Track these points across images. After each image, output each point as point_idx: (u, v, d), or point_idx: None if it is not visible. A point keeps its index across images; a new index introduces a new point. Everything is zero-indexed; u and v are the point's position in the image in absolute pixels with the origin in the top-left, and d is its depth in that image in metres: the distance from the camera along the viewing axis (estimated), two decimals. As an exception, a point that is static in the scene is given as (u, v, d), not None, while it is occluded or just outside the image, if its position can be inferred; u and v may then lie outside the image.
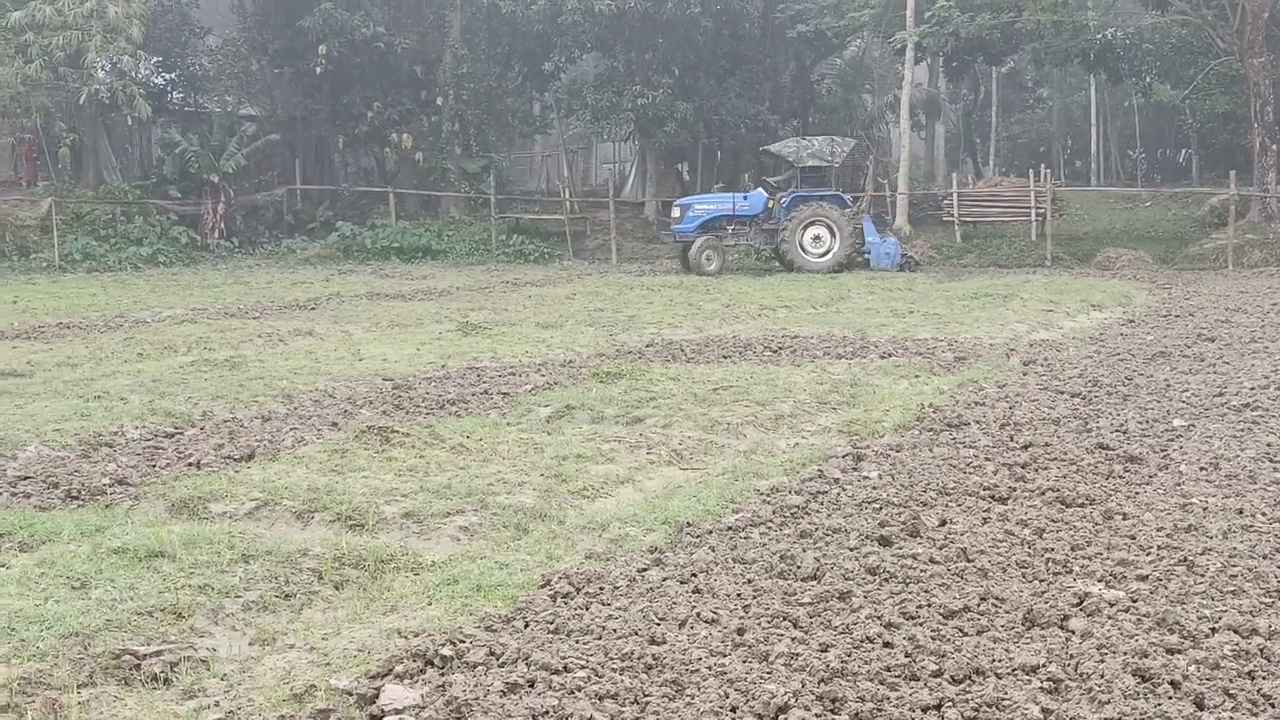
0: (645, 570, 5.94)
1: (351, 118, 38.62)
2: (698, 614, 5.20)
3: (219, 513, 7.12)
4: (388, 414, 10.25)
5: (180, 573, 5.86)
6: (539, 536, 6.78)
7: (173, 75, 39.55)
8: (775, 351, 14.29)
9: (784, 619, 5.17)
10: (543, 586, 5.69)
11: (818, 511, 7.07)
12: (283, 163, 39.47)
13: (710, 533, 6.64)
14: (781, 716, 4.24)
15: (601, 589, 5.63)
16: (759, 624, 5.11)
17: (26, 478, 7.90)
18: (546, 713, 4.24)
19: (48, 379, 12.19)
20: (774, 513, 7.00)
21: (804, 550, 6.18)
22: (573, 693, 4.41)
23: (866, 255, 28.99)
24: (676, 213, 29.70)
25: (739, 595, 5.50)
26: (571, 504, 7.49)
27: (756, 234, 29.33)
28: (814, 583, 5.69)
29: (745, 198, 29.62)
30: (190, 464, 8.36)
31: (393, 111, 38.07)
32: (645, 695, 4.40)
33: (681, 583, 5.73)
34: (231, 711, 4.34)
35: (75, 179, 34.47)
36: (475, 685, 4.47)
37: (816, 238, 28.36)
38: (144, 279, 27.07)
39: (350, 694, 4.45)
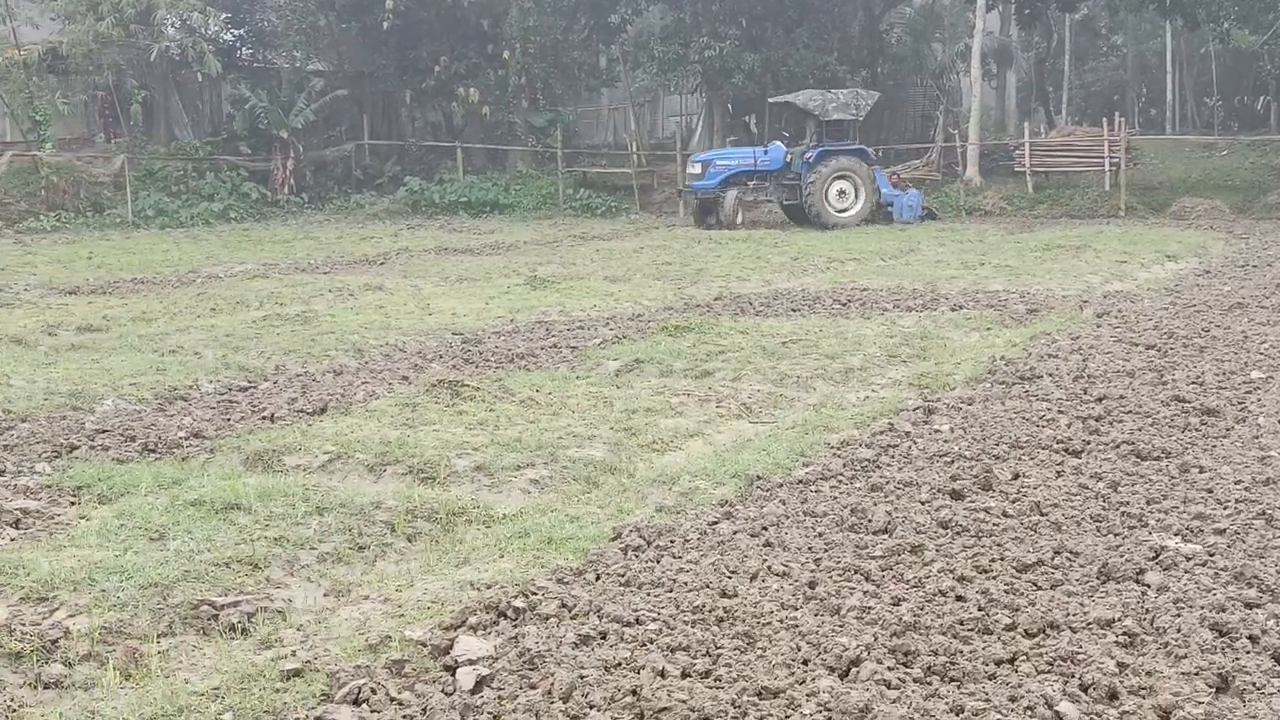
0: (716, 523, 5.94)
1: (419, 72, 38.68)
2: (769, 567, 5.19)
3: (293, 465, 7.20)
4: (457, 368, 10.31)
5: (256, 525, 5.93)
6: (609, 489, 6.80)
7: (241, 31, 39.83)
8: (844, 304, 14.20)
9: (855, 572, 5.15)
10: (613, 539, 5.71)
11: (888, 465, 7.03)
12: (351, 118, 39.65)
13: (780, 486, 6.62)
14: (854, 669, 4.23)
15: (672, 542, 5.63)
16: (830, 577, 5.09)
17: (104, 431, 8.02)
18: (619, 664, 4.26)
19: (123, 334, 12.37)
20: (844, 466, 6.97)
21: (875, 504, 6.15)
22: (645, 645, 4.42)
23: (889, 209, 28.56)
24: (696, 169, 28.97)
25: (810, 548, 5.49)
26: (641, 457, 7.50)
27: (776, 189, 28.75)
28: (885, 536, 5.67)
29: (766, 152, 28.97)
30: (264, 417, 8.45)
31: (460, 66, 38.08)
32: (717, 648, 4.40)
33: (752, 536, 5.72)
34: (308, 661, 4.39)
35: (147, 135, 34.84)
36: (548, 637, 4.49)
37: (841, 192, 27.91)
38: (215, 234, 27.35)
39: (425, 645, 4.49)
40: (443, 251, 22.69)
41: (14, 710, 4.09)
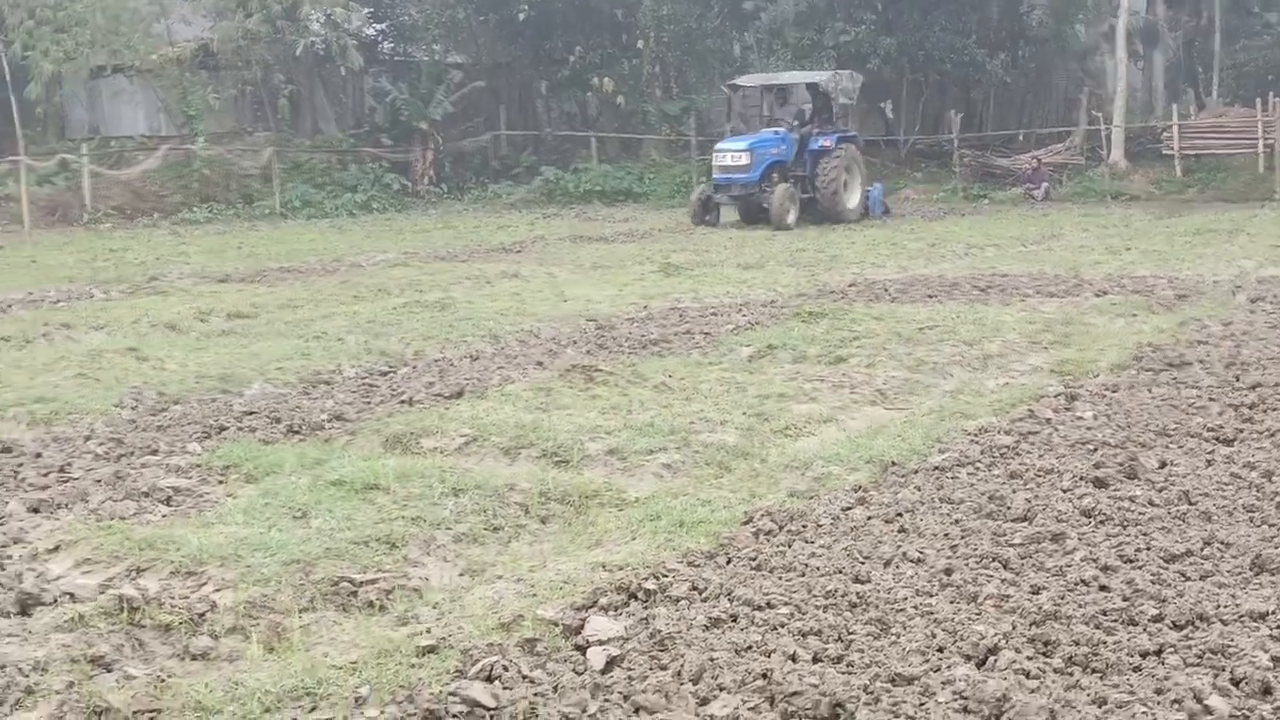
0: (849, 509, 5.87)
1: (554, 63, 38.93)
2: (903, 553, 5.12)
3: (430, 448, 7.29)
4: (591, 353, 10.35)
5: (394, 505, 6.03)
6: (741, 474, 6.77)
7: (383, 26, 40.45)
8: (983, 290, 13.94)
9: (993, 560, 5.05)
10: (745, 523, 5.67)
11: (1028, 452, 6.87)
12: (488, 109, 40.03)
13: (916, 472, 6.53)
14: (991, 658, 4.14)
15: (804, 527, 5.58)
16: (967, 564, 5.00)
17: (252, 413, 8.23)
18: (750, 647, 4.23)
19: (271, 320, 12.68)
20: (982, 453, 6.84)
21: (1014, 491, 6.02)
22: (776, 629, 4.39)
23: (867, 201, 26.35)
24: (742, 158, 24.24)
25: (946, 535, 5.39)
26: (774, 442, 7.45)
27: (794, 182, 24.86)
28: (1025, 524, 5.54)
29: (783, 140, 24.92)
30: (403, 401, 8.57)
31: (594, 56, 38.24)
32: (850, 633, 4.35)
33: (886, 522, 5.64)
34: (443, 638, 4.45)
35: (294, 129, 35.63)
36: (678, 619, 4.48)
37: (845, 183, 25.31)
38: (359, 224, 27.86)
39: (556, 624, 4.51)
40: (577, 239, 22.82)
41: (163, 680, 4.20)
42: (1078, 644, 4.23)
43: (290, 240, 23.42)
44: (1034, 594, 4.66)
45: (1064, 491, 6.06)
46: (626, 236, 23.32)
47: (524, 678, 4.09)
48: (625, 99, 37.90)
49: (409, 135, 35.74)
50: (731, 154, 24.59)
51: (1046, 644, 4.25)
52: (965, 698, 3.85)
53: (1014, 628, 4.35)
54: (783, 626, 4.40)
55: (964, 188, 32.94)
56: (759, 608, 4.57)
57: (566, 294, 14.50)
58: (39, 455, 7.08)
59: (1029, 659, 4.14)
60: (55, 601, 4.73)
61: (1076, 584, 4.80)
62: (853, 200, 25.45)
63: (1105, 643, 4.25)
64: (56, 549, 5.29)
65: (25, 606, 4.66)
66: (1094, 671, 4.09)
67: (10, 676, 4.00)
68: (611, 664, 4.17)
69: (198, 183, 30.83)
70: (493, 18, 38.65)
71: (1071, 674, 4.08)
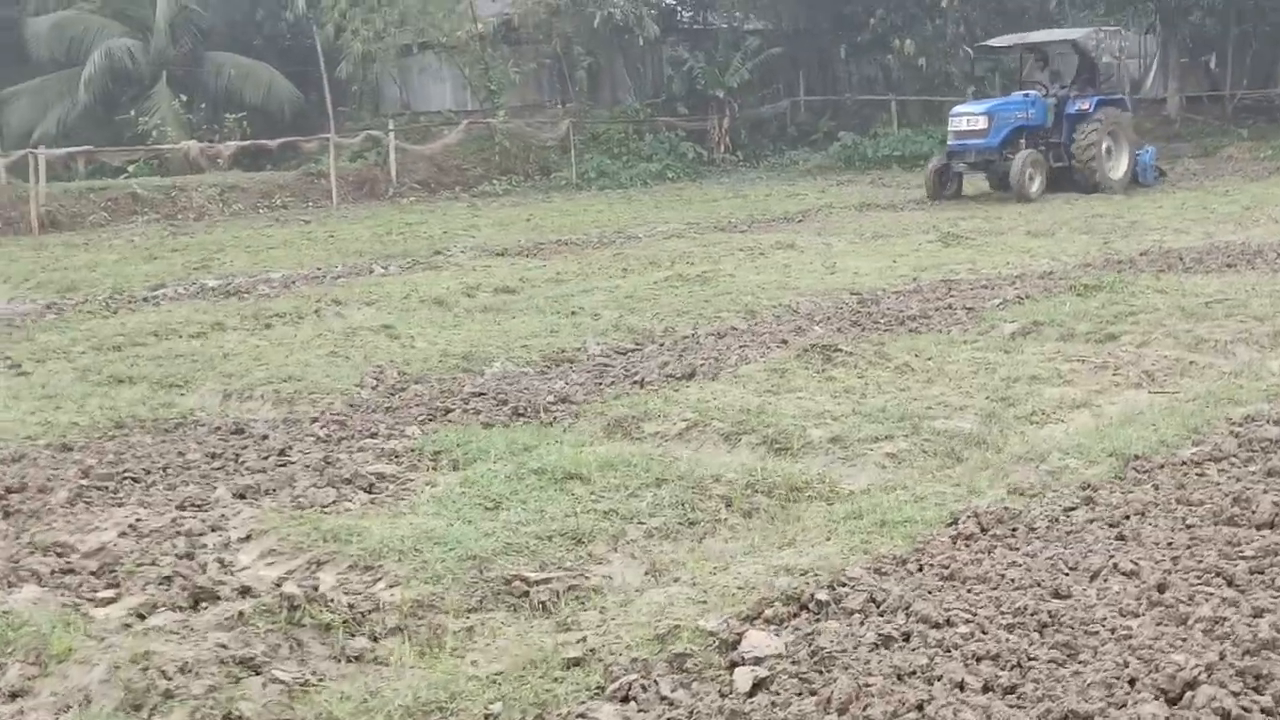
0: (1071, 510, 5.35)
1: (854, 27, 38.10)
2: (1115, 564, 4.59)
3: (650, 433, 7.10)
4: (841, 330, 9.94)
5: (591, 496, 5.83)
6: (969, 466, 6.31)
7: (682, -5, 40.56)
8: (1291, 258, 12.76)
9: (1217, 574, 4.46)
10: (948, 525, 5.24)
11: (1297, 447, 6.14)
12: (786, 75, 39.59)
13: (1161, 467, 5.92)
14: (1187, 694, 3.64)
15: (1013, 530, 5.11)
16: (1185, 580, 4.44)
17: (480, 394, 8.19)
18: (913, 672, 3.85)
19: (532, 295, 12.75)
20: (1240, 446, 6.15)
21: (1264, 491, 5.35)
22: (948, 651, 3.99)
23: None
24: (979, 122, 22.58)
25: (1170, 544, 4.82)
26: (1015, 430, 6.95)
27: (1045, 149, 23.06)
28: (1267, 532, 4.90)
29: (1033, 103, 23.14)
30: (634, 382, 8.40)
31: (895, 18, 37.20)
32: (1029, 659, 3.90)
33: (1109, 526, 5.11)
34: (593, 650, 4.23)
35: (593, 100, 36.16)
36: (845, 635, 4.13)
37: (1108, 149, 22.96)
38: (650, 195, 27.97)
39: (714, 636, 4.23)
40: (865, 208, 22.22)
41: (307, 683, 4.12)
42: (1298, 681, 3.68)
43: (578, 212, 23.71)
44: (1254, 617, 4.08)
45: (1328, 494, 5.36)
46: (916, 204, 22.55)
47: (662, 699, 3.83)
48: (927, 61, 36.75)
49: (705, 103, 35.73)
50: (968, 118, 22.97)
51: (1258, 678, 3.71)
52: (1144, 743, 3.39)
53: (1222, 657, 3.82)
54: (956, 649, 3.99)
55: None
56: (935, 625, 4.17)
57: (837, 266, 14.08)
58: (265, 437, 7.19)
59: (1233, 695, 3.62)
60: (227, 596, 4.70)
61: (1313, 607, 4.19)
62: (1117, 169, 23.24)
63: (1334, 681, 3.68)
64: (248, 538, 5.30)
65: (196, 601, 4.64)
66: (1313, 716, 3.54)
67: (153, 679, 3.94)
68: (758, 687, 3.87)
69: (498, 155, 31.69)
70: (791, -18, 38.15)
71: (1283, 717, 3.55)
